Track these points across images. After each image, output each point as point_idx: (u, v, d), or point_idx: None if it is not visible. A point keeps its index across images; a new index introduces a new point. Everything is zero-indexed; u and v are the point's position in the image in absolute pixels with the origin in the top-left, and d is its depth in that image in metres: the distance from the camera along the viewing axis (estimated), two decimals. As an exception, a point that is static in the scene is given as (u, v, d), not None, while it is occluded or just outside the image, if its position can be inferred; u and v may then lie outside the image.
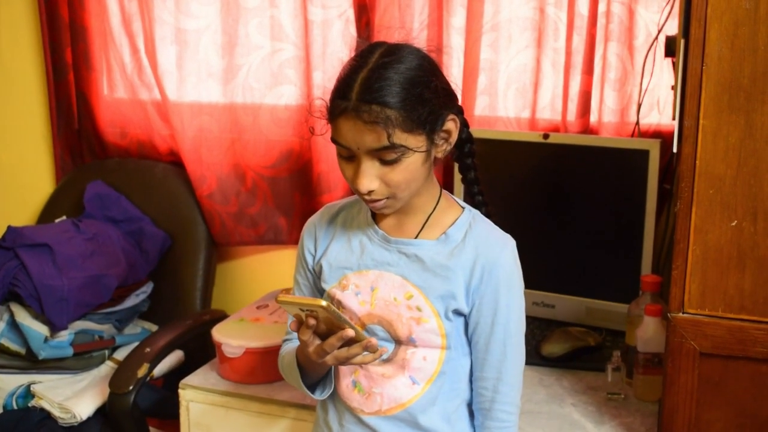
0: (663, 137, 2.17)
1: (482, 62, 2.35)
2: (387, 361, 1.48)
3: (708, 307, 1.52)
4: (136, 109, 2.76)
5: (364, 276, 1.49)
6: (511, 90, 2.37)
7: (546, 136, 2.19)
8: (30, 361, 2.40)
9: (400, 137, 1.34)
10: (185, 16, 2.62)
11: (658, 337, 1.79)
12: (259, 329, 2.12)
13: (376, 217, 1.52)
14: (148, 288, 2.62)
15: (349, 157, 1.39)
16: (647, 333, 1.84)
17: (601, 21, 2.21)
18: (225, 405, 2.04)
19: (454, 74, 2.39)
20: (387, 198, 1.40)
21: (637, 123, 2.23)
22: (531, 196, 2.26)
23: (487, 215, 1.55)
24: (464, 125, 1.51)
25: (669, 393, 1.56)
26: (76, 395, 2.27)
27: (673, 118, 1.62)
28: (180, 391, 2.07)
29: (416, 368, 1.47)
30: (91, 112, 2.82)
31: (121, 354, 2.44)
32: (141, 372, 2.18)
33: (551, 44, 2.29)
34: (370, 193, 1.38)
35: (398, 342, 1.47)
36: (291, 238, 2.66)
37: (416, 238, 1.48)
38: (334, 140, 1.39)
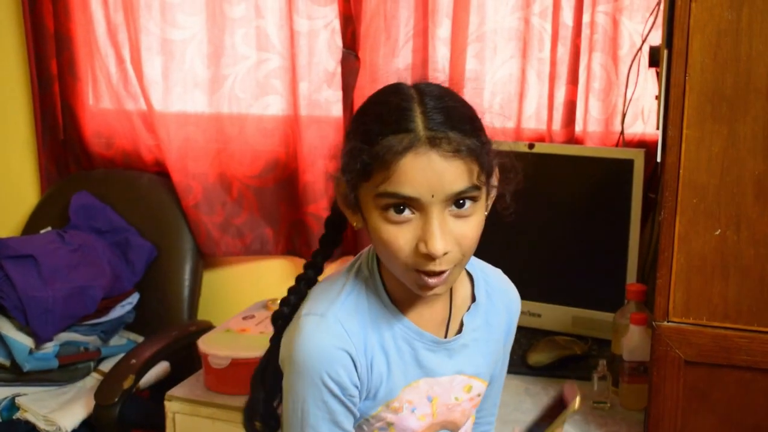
0: (647, 147, 2.18)
1: (468, 72, 2.35)
2: None
3: (692, 315, 1.53)
4: (122, 119, 2.75)
5: (415, 388, 1.24)
6: (496, 100, 2.37)
7: (531, 146, 2.20)
8: (15, 374, 2.38)
9: (481, 178, 1.10)
10: (171, 27, 2.62)
11: (644, 346, 1.79)
12: (245, 340, 2.12)
13: (404, 312, 1.22)
14: (133, 299, 2.61)
15: (404, 215, 1.08)
16: (633, 342, 1.85)
17: (585, 31, 2.22)
18: (211, 416, 2.03)
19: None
20: (455, 266, 1.12)
21: (622, 133, 2.24)
22: (516, 206, 2.26)
23: None
24: None
25: (654, 401, 1.57)
26: (62, 407, 2.26)
27: (657, 128, 1.63)
28: (166, 402, 2.07)
29: None
30: (77, 122, 2.81)
31: (106, 365, 2.43)
32: (127, 384, 2.17)
33: (536, 54, 2.30)
34: (441, 258, 1.08)
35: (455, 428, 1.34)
36: (277, 248, 2.66)
37: (449, 321, 1.25)
38: (387, 193, 1.07)
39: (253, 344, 2.08)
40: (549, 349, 2.09)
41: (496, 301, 1.32)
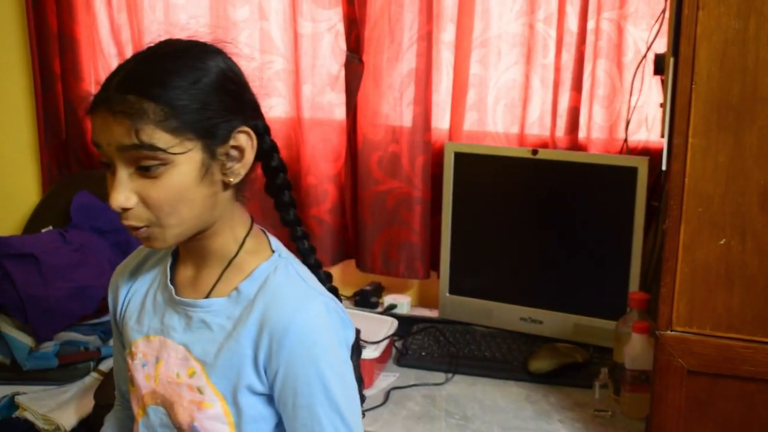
0: (651, 154, 2.18)
1: (471, 77, 2.35)
2: None
3: (696, 325, 1.52)
4: (124, 119, 2.75)
5: (151, 343, 1.24)
6: (500, 105, 2.37)
7: (535, 152, 2.20)
8: (14, 372, 2.38)
9: (156, 136, 1.08)
10: (174, 28, 2.61)
11: (646, 355, 1.79)
12: (245, 342, 2.11)
13: (175, 266, 1.27)
14: (134, 299, 2.61)
15: (111, 169, 1.13)
16: (635, 350, 1.84)
17: (590, 38, 2.22)
18: (210, 419, 2.02)
19: (443, 89, 2.40)
20: (148, 226, 1.14)
21: (626, 140, 2.24)
22: (519, 212, 2.27)
23: (314, 266, 1.28)
24: (272, 148, 1.25)
25: (656, 411, 1.56)
26: (60, 407, 2.26)
27: (662, 136, 1.63)
28: (165, 404, 2.06)
29: None
30: (79, 122, 2.80)
31: (106, 365, 2.42)
32: (126, 384, 2.17)
33: (540, 60, 2.30)
34: (125, 213, 1.13)
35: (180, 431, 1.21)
36: (278, 250, 2.65)
37: (207, 296, 1.20)
38: (92, 139, 1.14)
39: (254, 347, 2.07)
40: (550, 356, 2.08)
41: (257, 304, 1.16)
